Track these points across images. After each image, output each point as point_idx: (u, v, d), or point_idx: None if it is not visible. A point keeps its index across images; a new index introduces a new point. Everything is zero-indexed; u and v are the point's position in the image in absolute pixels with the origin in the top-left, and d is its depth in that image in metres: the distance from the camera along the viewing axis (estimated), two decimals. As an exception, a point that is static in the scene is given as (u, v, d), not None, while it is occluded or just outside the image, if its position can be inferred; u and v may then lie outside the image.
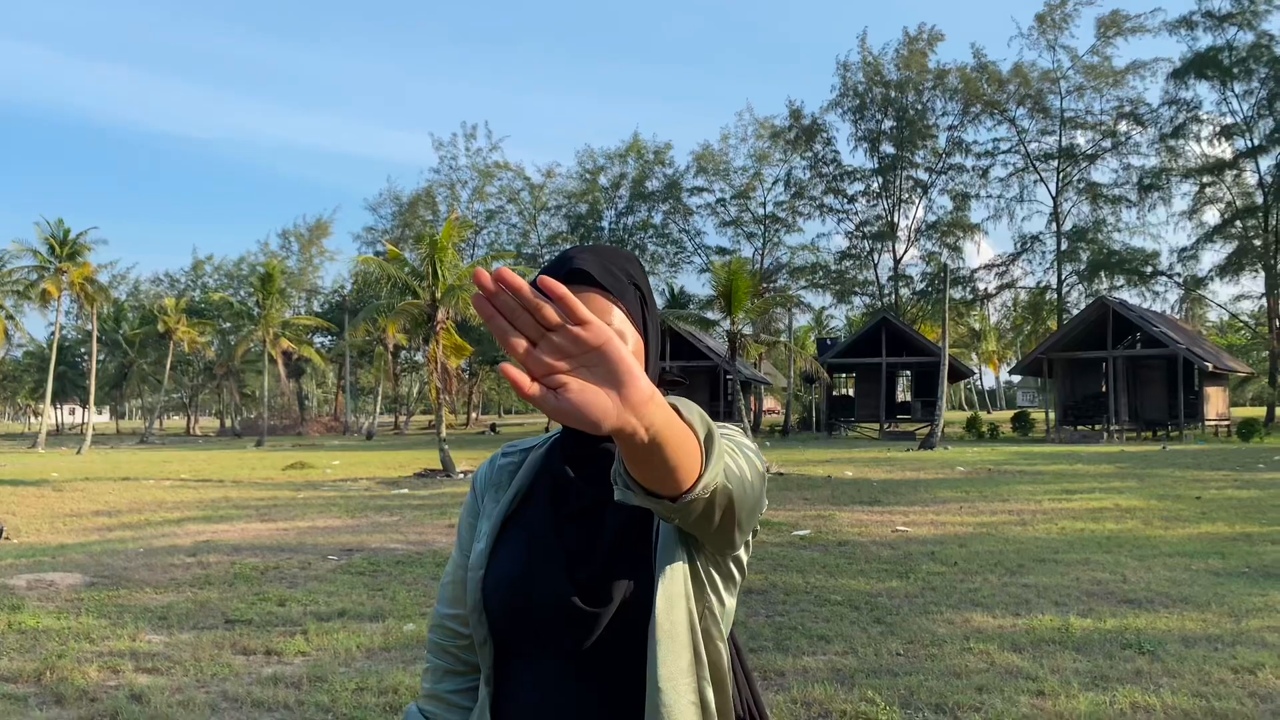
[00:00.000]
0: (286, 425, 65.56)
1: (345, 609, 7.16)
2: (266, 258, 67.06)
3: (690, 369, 42.55)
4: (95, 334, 48.52)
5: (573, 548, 1.31)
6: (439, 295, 22.98)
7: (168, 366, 61.05)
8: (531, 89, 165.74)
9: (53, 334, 55.35)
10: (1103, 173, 52.38)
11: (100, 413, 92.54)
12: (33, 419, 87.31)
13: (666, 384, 1.39)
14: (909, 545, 10.13)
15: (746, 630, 6.32)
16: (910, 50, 53.26)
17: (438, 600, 1.49)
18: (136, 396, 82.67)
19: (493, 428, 61.72)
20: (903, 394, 55.31)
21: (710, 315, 46.28)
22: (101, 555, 10.09)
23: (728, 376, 42.10)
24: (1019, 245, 54.82)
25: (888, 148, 54.72)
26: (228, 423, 76.18)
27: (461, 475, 22.32)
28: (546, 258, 59.40)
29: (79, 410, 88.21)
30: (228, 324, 66.79)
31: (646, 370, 1.30)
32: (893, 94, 53.86)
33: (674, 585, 1.24)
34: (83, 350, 74.46)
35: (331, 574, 8.75)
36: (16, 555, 10.44)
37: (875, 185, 56.34)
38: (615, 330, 1.22)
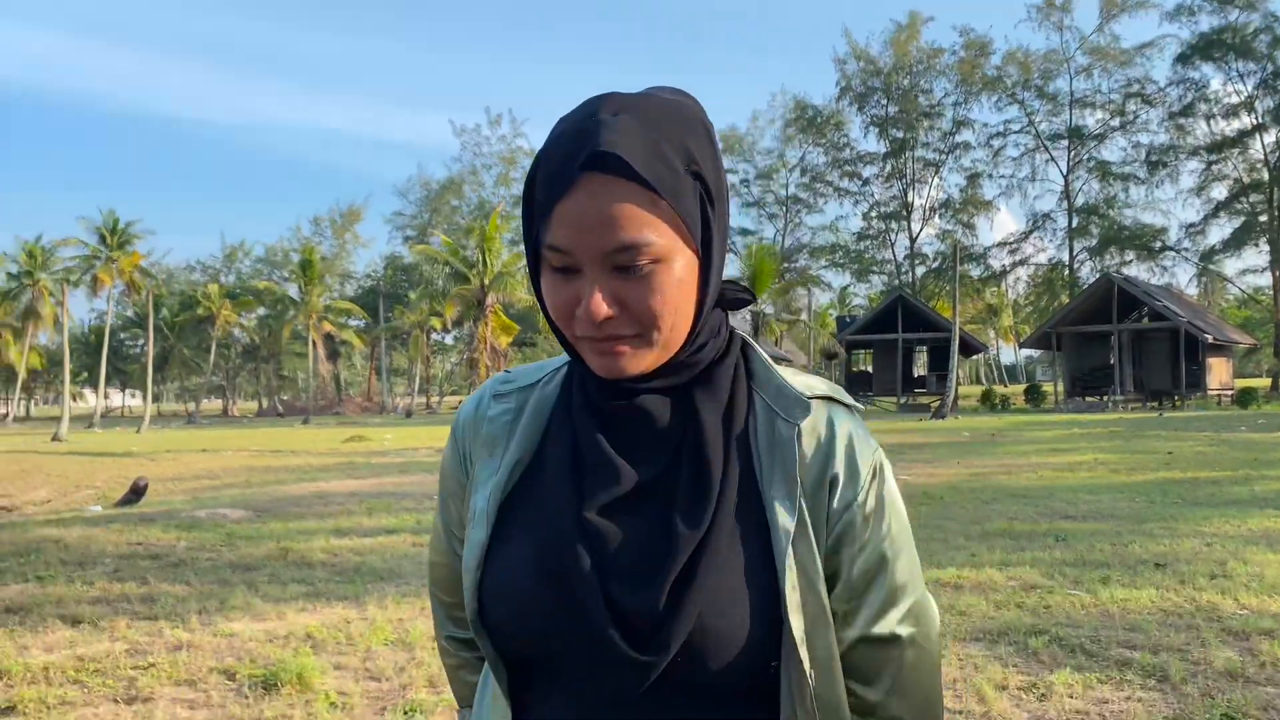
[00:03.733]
0: (323, 405, 68.09)
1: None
2: (300, 244, 69.46)
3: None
4: (151, 320, 50.88)
5: (610, 551, 0.88)
6: (488, 281, 25.19)
7: (212, 350, 63.59)
8: (561, 64, 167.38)
9: (102, 320, 58.15)
10: (1112, 151, 53.82)
11: (134, 396, 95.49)
12: (72, 402, 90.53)
13: (729, 302, 0.97)
14: (907, 490, 12.20)
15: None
16: (898, 36, 54.88)
17: (429, 578, 1.15)
18: (175, 380, 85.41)
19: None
20: (919, 369, 57.18)
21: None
22: (241, 503, 12.30)
23: (750, 353, 44.17)
24: (1031, 223, 56.51)
25: (896, 131, 56.43)
26: (265, 404, 78.98)
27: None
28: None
29: (113, 394, 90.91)
30: (264, 309, 69.22)
31: (703, 297, 0.89)
32: (889, 81, 55.56)
33: (820, 640, 0.89)
34: (123, 336, 77.27)
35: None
36: (170, 504, 12.70)
37: (888, 167, 58.09)
38: (651, 256, 0.83)
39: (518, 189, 65.68)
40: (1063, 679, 4.27)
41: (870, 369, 51.56)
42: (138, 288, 60.41)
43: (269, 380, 75.28)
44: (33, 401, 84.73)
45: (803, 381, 0.98)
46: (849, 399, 0.99)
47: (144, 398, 56.63)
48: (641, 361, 0.88)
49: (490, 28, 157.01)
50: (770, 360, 1.00)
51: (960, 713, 3.93)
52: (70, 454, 26.99)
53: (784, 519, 0.89)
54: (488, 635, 0.94)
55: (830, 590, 0.92)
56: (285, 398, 76.60)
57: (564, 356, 1.00)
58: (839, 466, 0.92)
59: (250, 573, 6.84)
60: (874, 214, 59.23)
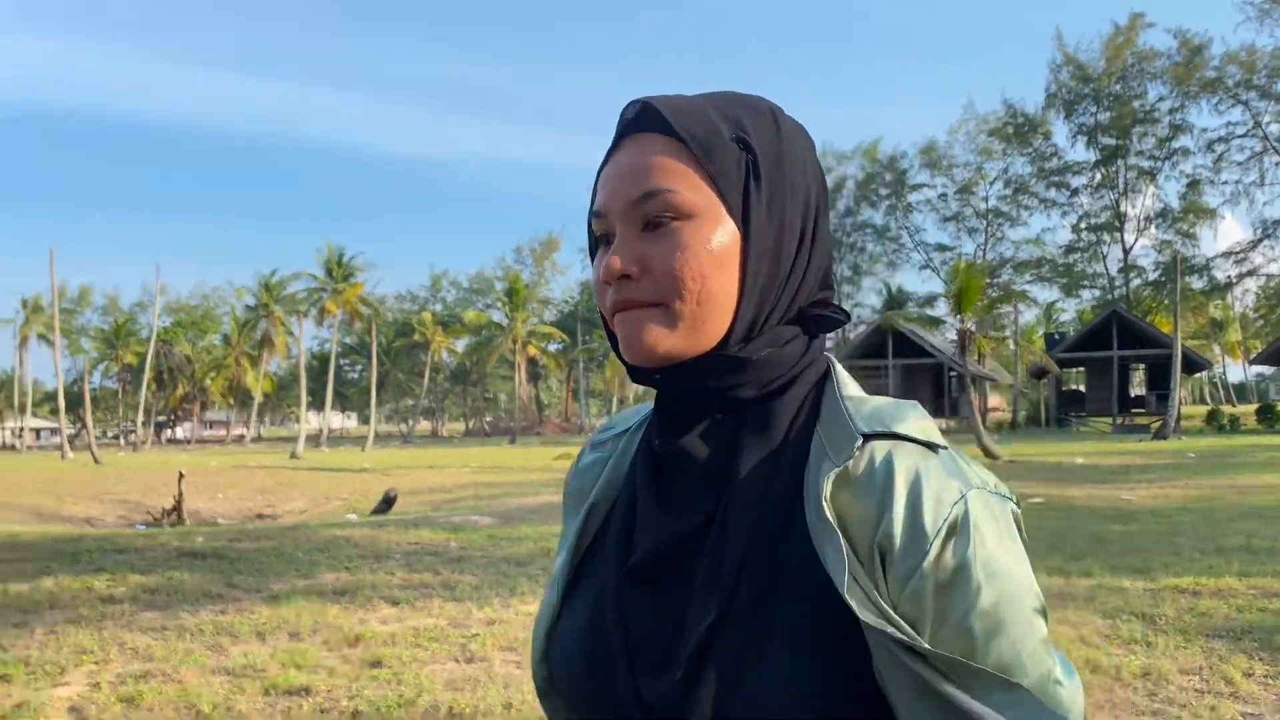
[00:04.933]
0: (524, 426, 71.12)
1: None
2: (504, 272, 73.03)
3: (913, 366, 43.96)
4: (375, 347, 54.74)
5: (641, 628, 0.80)
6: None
7: (426, 374, 67.65)
8: (759, 90, 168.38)
9: (325, 347, 63.06)
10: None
11: (350, 418, 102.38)
12: (294, 425, 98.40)
13: (809, 320, 0.83)
14: (1132, 508, 12.01)
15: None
16: (1113, 39, 52.34)
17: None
18: (388, 403, 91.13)
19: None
20: (1136, 388, 54.21)
21: (931, 312, 47.57)
22: (482, 511, 13.44)
23: (951, 374, 43.27)
24: (1260, 231, 52.71)
25: (1106, 139, 53.93)
26: (471, 425, 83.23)
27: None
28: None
29: (330, 415, 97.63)
30: (470, 336, 72.98)
31: (745, 282, 0.79)
32: (1102, 87, 53.10)
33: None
34: (343, 362, 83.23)
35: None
36: (419, 513, 14.00)
37: (1098, 177, 55.58)
38: (676, 208, 0.77)
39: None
40: (1316, 677, 4.43)
41: (1083, 388, 49.35)
42: (359, 317, 65.22)
43: (475, 402, 79.29)
44: (262, 423, 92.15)
45: (873, 411, 0.79)
46: (927, 435, 0.78)
47: (368, 419, 60.91)
48: (663, 338, 0.78)
49: (686, 57, 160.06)
50: (847, 383, 0.84)
51: (1208, 692, 4.19)
52: (311, 470, 29.63)
53: (837, 573, 0.72)
54: (555, 700, 0.90)
55: None
56: (489, 419, 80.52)
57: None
58: (896, 526, 0.73)
59: (523, 566, 7.70)
60: (1083, 225, 56.75)
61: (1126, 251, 55.14)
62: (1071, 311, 65.96)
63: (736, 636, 0.74)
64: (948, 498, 0.73)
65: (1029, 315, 67.89)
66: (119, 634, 5.95)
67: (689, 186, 0.77)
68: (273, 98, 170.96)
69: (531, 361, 65.94)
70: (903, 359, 43.44)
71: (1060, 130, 57.15)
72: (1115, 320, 42.49)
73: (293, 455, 40.27)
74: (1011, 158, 57.98)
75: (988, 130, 57.58)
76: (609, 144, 0.84)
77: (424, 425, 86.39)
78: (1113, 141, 53.86)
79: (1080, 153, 55.96)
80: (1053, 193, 57.37)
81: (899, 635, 0.69)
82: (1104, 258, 56.56)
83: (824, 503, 0.74)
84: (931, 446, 0.77)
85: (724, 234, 0.78)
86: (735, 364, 0.79)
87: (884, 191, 61.17)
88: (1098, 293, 57.89)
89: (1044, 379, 46.90)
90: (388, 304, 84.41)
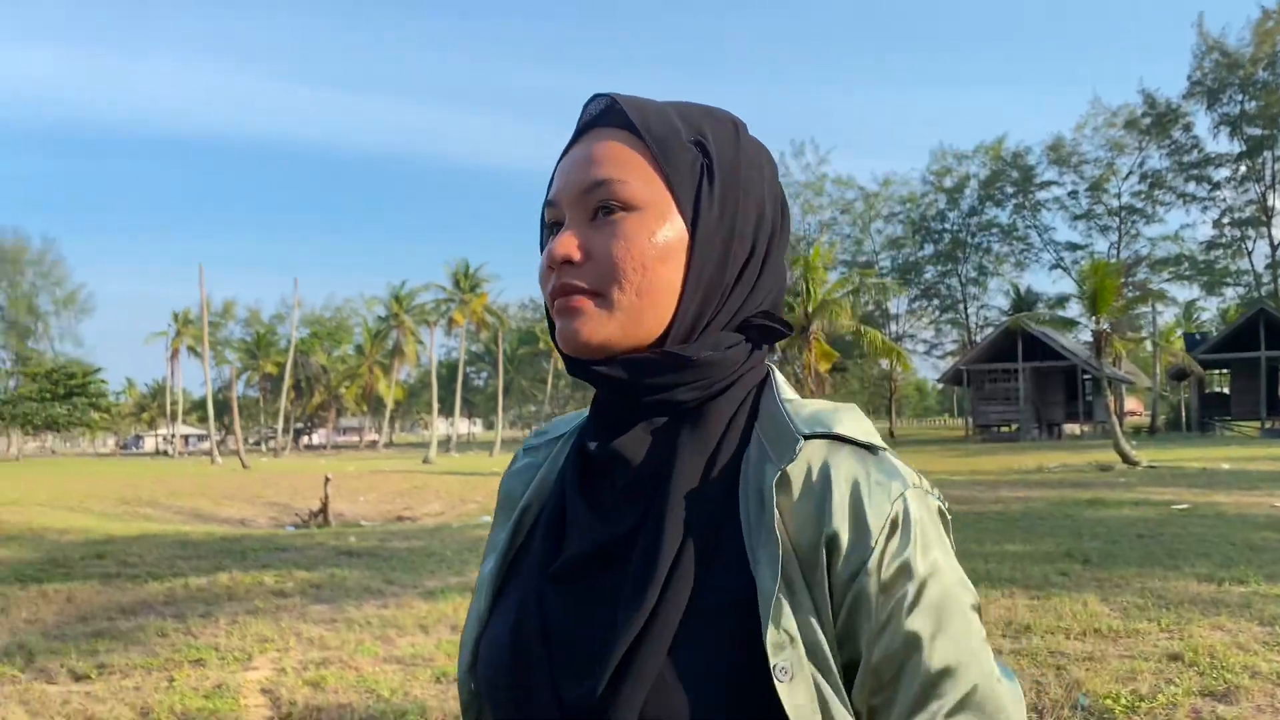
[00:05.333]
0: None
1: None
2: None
3: (1044, 369, 42.65)
4: (501, 356, 56.12)
5: (563, 630, 0.77)
6: (811, 310, 25.98)
7: (548, 381, 68.93)
8: (866, 89, 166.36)
9: (451, 356, 65.05)
10: None
11: (474, 424, 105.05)
12: (422, 430, 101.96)
13: (755, 329, 0.82)
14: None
15: (1166, 553, 8.45)
16: (1262, 24, 49.58)
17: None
18: (511, 409, 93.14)
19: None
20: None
21: (1063, 313, 46.06)
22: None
23: (1086, 376, 41.83)
24: None
25: (1252, 129, 51.20)
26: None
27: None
28: (881, 264, 60.92)
29: (455, 422, 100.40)
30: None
31: (688, 281, 0.78)
32: (1250, 74, 50.38)
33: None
34: (469, 370, 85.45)
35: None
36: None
37: (1242, 169, 52.86)
38: (624, 198, 0.77)
39: (824, 216, 66.26)
40: None
41: (1227, 390, 46.99)
42: (485, 326, 66.95)
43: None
44: (393, 430, 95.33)
45: (812, 413, 0.78)
46: (866, 437, 0.77)
47: (493, 425, 62.46)
48: (599, 328, 0.77)
49: (780, 56, 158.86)
50: (785, 388, 0.83)
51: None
52: (444, 474, 30.65)
53: (766, 588, 0.70)
54: (478, 715, 0.86)
55: (850, 682, 0.72)
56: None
57: None
58: (839, 522, 0.72)
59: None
60: (1226, 220, 54.04)
61: (1275, 247, 52.26)
62: (1213, 310, 62.89)
63: (658, 641, 0.72)
64: (888, 496, 0.73)
65: (1167, 315, 65.06)
66: (294, 625, 6.43)
67: (640, 179, 0.77)
68: (405, 117, 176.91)
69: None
70: (1033, 362, 42.19)
71: (1201, 122, 54.57)
72: (1263, 318, 40.32)
73: (425, 460, 41.66)
74: (1147, 151, 55.67)
75: (1121, 122, 55.39)
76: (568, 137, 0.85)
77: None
78: (1259, 131, 51.14)
79: (1223, 144, 53.38)
80: (1192, 187, 54.84)
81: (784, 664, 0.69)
82: (1249, 254, 53.76)
83: (772, 505, 0.73)
84: (870, 448, 0.77)
85: (671, 229, 0.78)
86: (677, 362, 0.78)
87: (1010, 190, 59.52)
88: (1242, 290, 55.04)
89: (1185, 381, 44.86)
90: (510, 312, 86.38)
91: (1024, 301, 54.91)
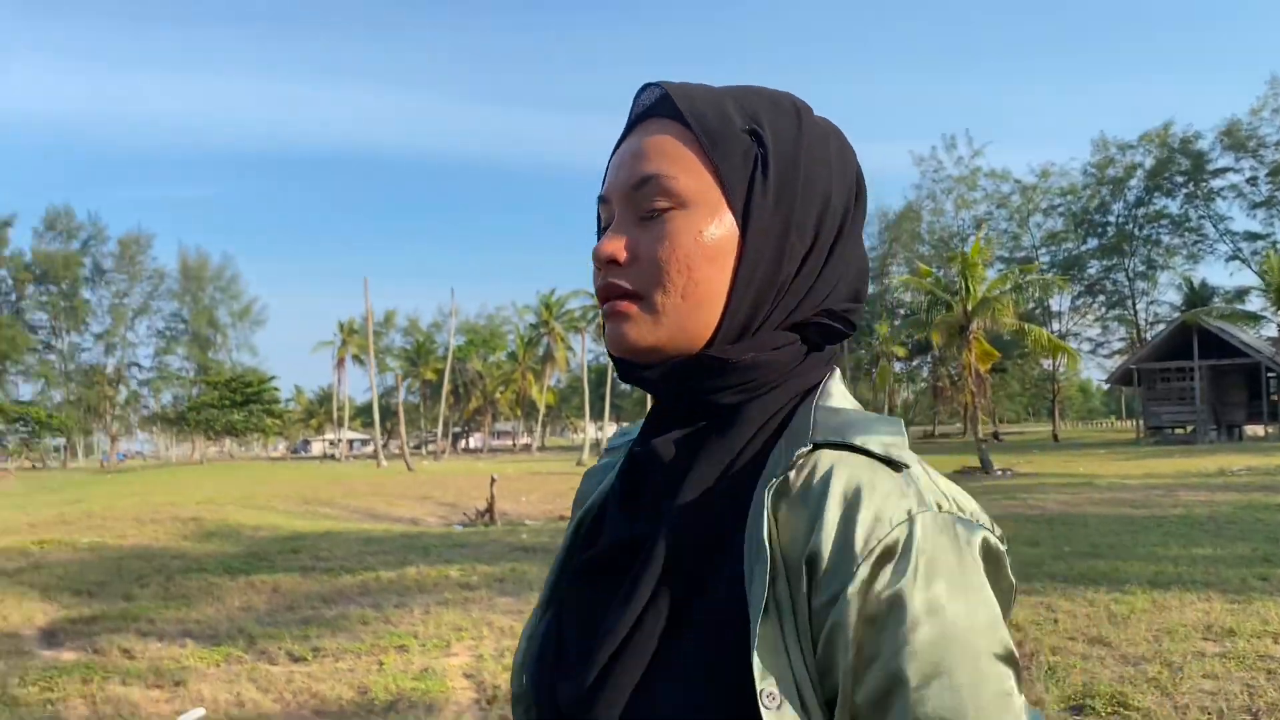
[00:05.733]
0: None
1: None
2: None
3: (1223, 367, 40.18)
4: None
5: (569, 629, 0.78)
6: (971, 308, 25.27)
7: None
8: (1024, 83, 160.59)
9: (599, 360, 66.02)
10: None
11: (621, 427, 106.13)
12: (572, 434, 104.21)
13: (813, 328, 0.77)
14: None
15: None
16: None
17: None
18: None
19: (995, 435, 61.89)
20: None
21: (1243, 307, 43.32)
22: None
23: (1270, 374, 39.22)
24: None
25: None
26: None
27: (1000, 473, 24.27)
28: (1041, 259, 58.70)
29: (607, 425, 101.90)
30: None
31: (737, 281, 0.74)
32: None
33: None
34: (614, 374, 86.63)
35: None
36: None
37: None
38: (671, 195, 0.74)
39: (979, 211, 64.19)
40: None
41: None
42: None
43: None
44: (545, 433, 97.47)
45: (841, 422, 0.72)
46: (890, 450, 0.70)
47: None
48: (643, 331, 0.74)
49: (930, 49, 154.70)
50: (835, 395, 0.77)
51: None
52: (598, 476, 31.19)
53: (755, 606, 0.65)
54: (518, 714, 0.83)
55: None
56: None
57: None
58: (823, 541, 0.65)
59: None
60: None
61: None
62: None
63: (641, 649, 0.69)
64: (890, 517, 0.65)
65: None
66: (485, 615, 6.78)
67: (688, 173, 0.74)
68: (552, 129, 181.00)
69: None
70: (1211, 359, 39.80)
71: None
72: None
73: (578, 463, 42.55)
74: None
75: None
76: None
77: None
78: None
79: None
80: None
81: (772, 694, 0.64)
82: None
83: (764, 516, 0.67)
84: (891, 463, 0.69)
85: (720, 226, 0.74)
86: (715, 365, 0.75)
87: (1179, 179, 56.30)
88: None
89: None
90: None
91: (1199, 296, 51.80)
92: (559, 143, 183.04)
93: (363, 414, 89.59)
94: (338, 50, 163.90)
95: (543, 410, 78.75)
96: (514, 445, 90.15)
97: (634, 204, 0.75)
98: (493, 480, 18.04)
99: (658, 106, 0.77)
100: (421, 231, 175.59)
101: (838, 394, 0.77)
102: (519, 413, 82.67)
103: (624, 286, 0.74)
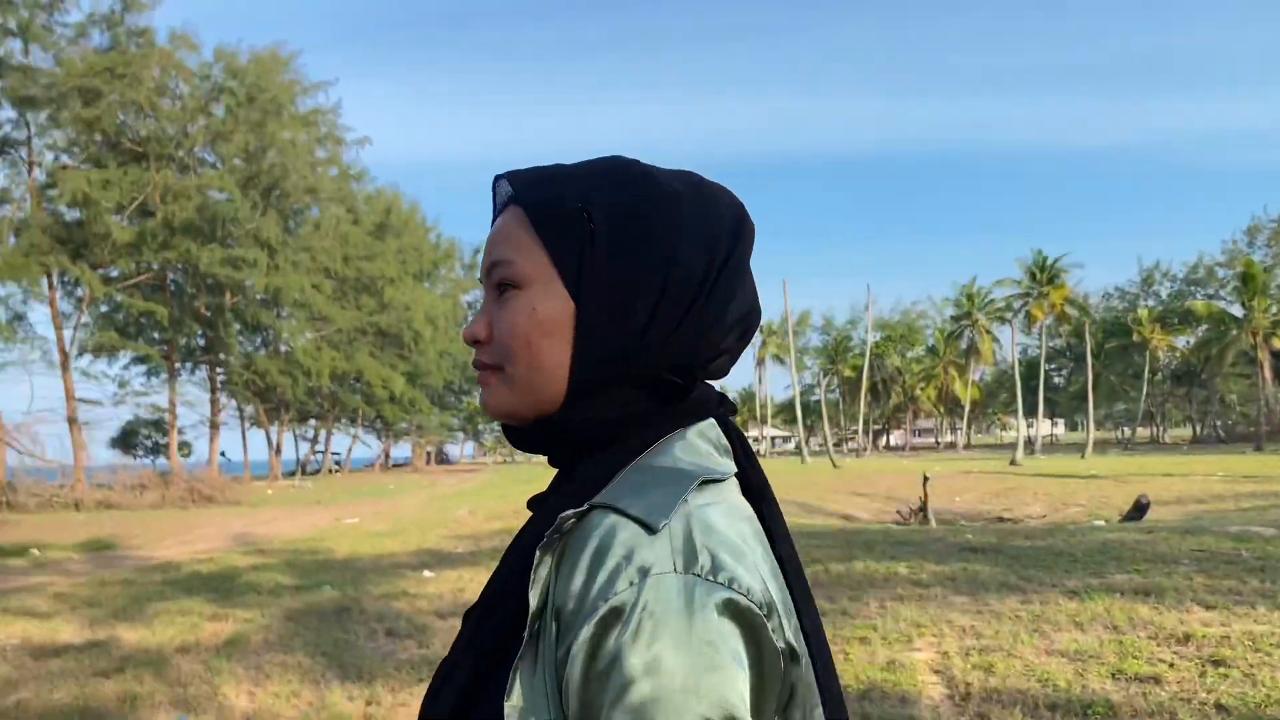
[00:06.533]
0: (1270, 431, 61.93)
1: None
2: (1227, 257, 64.54)
3: None
4: (1089, 351, 52.69)
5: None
6: None
7: (1145, 376, 62.91)
8: None
9: (1028, 354, 62.01)
10: None
11: (1056, 424, 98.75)
12: (999, 432, 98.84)
13: (663, 385, 0.82)
14: None
15: None
16: None
17: None
18: (1099, 407, 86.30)
19: None
20: None
21: None
22: (1252, 522, 12.21)
23: None
24: None
25: None
26: (1199, 430, 74.95)
27: None
28: None
29: (1040, 422, 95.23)
30: (1201, 330, 65.85)
31: (575, 358, 0.80)
32: None
33: None
34: (1049, 366, 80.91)
35: None
36: (1177, 521, 13.18)
37: None
38: (510, 277, 0.81)
39: None
40: None
41: None
42: (1066, 319, 63.06)
43: (1203, 405, 71.32)
44: (971, 430, 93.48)
45: (631, 485, 0.76)
46: (653, 514, 0.71)
47: (1075, 425, 58.50)
48: (501, 400, 0.83)
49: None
50: (666, 454, 0.80)
51: None
52: (1035, 476, 29.49)
53: (518, 651, 0.71)
54: None
55: None
56: (1221, 423, 71.71)
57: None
58: (568, 598, 0.69)
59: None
60: None
61: None
62: None
63: (451, 679, 0.77)
64: (626, 577, 0.67)
65: None
66: (942, 613, 6.73)
67: (526, 256, 0.80)
68: (950, 113, 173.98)
69: (1276, 356, 57.25)
70: None
71: None
72: None
73: (1012, 462, 40.47)
74: None
75: None
76: None
77: (1141, 431, 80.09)
78: None
79: None
80: None
81: None
82: None
83: (533, 571, 0.71)
84: (646, 525, 0.70)
85: (553, 303, 0.79)
86: (548, 427, 0.83)
87: None
88: None
89: None
90: (1093, 303, 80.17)
91: None
92: (958, 129, 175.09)
93: (783, 411, 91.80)
94: (737, 61, 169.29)
95: (968, 406, 75.72)
96: (937, 443, 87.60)
97: (491, 286, 0.84)
98: (925, 479, 17.74)
99: (511, 193, 0.85)
100: (833, 231, 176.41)
101: (677, 449, 0.81)
102: (941, 409, 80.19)
103: (487, 362, 0.83)
